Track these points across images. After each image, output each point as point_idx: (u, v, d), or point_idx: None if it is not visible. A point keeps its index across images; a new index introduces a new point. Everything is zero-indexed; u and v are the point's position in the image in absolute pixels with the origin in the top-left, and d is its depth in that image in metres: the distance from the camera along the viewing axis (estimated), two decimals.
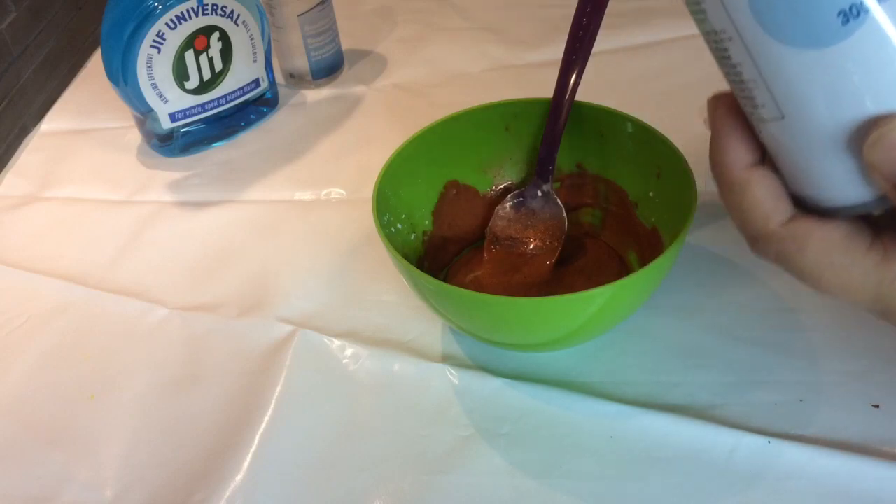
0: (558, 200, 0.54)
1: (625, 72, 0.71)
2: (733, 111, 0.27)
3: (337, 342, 0.52)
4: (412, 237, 0.54)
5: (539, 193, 0.54)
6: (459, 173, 0.55)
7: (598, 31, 0.50)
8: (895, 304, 0.25)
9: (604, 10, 0.49)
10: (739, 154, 0.26)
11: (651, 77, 0.71)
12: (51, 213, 0.66)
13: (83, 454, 0.48)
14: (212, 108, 0.69)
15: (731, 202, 0.27)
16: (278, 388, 0.49)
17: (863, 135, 0.23)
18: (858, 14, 0.22)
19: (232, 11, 0.65)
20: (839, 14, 0.22)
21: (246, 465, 0.46)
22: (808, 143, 0.24)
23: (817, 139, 0.24)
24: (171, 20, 0.62)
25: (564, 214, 0.53)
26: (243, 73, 0.69)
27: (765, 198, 0.26)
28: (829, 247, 0.26)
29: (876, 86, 0.23)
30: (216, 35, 0.65)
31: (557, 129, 0.52)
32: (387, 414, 0.48)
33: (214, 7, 0.64)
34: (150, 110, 0.66)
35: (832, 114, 0.24)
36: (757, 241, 0.28)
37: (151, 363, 0.53)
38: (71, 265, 0.61)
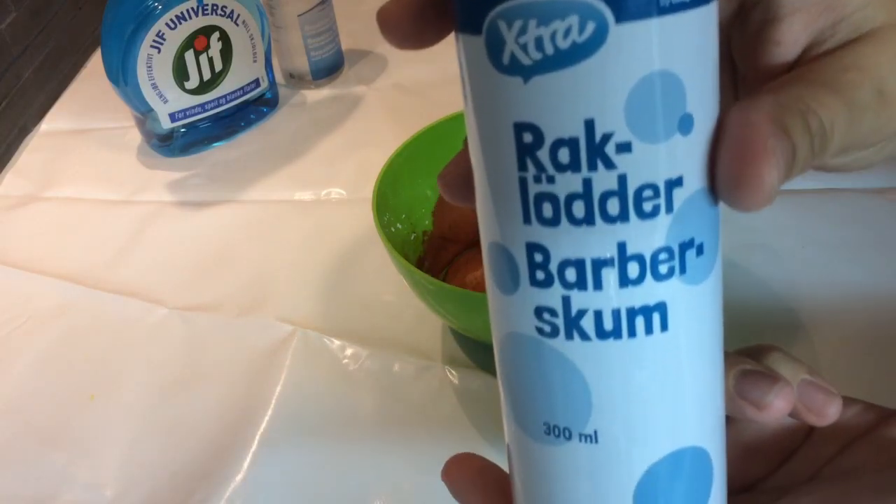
0: None
1: None
2: (470, 471, 0.27)
3: (337, 342, 0.52)
4: (412, 237, 0.54)
5: None
6: None
7: None
8: None
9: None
10: None
11: None
12: (51, 213, 0.66)
13: (83, 454, 0.48)
14: (212, 108, 0.69)
15: None
16: (278, 388, 0.49)
17: None
18: (559, 435, 0.22)
19: (232, 11, 0.65)
20: (543, 424, 0.22)
21: (246, 465, 0.46)
22: None
23: None
24: (171, 20, 0.62)
25: None
26: (243, 73, 0.69)
27: None
28: None
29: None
30: (216, 35, 0.65)
31: None
32: (387, 414, 0.48)
33: (214, 7, 0.64)
34: (150, 110, 0.66)
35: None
36: None
37: (151, 363, 0.53)
38: (71, 265, 0.61)
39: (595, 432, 0.21)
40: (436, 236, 0.55)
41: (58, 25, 0.84)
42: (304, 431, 0.47)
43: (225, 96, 0.69)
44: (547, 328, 0.21)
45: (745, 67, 0.25)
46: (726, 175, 0.19)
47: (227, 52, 0.67)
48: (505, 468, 0.26)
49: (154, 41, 0.62)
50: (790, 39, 0.23)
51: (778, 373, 0.25)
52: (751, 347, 0.26)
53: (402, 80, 0.76)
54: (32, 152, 0.74)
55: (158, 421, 0.49)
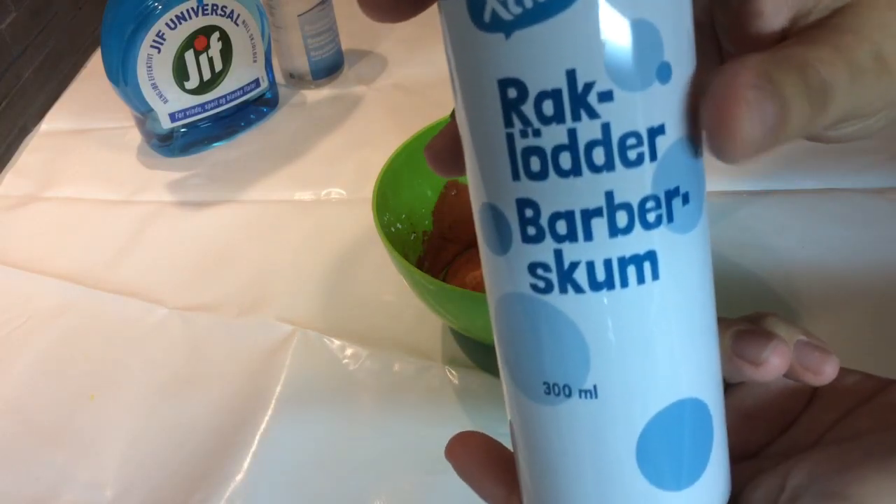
0: None
1: None
2: (472, 449, 0.27)
3: (337, 342, 0.52)
4: (412, 237, 0.54)
5: None
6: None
7: None
8: None
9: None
10: (493, 489, 0.26)
11: None
12: (51, 213, 0.66)
13: (83, 454, 0.48)
14: (212, 108, 0.69)
15: None
16: (278, 388, 0.49)
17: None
18: (559, 393, 0.22)
19: (232, 11, 0.65)
20: (543, 384, 0.22)
21: (246, 465, 0.46)
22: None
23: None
24: (171, 20, 0.62)
25: None
26: (243, 73, 0.69)
27: None
28: None
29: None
30: (216, 35, 0.65)
31: None
32: (387, 414, 0.48)
33: (214, 7, 0.64)
34: (150, 110, 0.66)
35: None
36: None
37: (151, 363, 0.53)
38: (71, 265, 0.61)
39: (594, 387, 0.21)
40: (436, 236, 0.55)
41: (58, 25, 0.84)
42: (304, 431, 0.47)
43: (225, 96, 0.69)
44: (541, 284, 0.21)
45: (731, 46, 0.25)
46: (706, 125, 0.20)
47: (227, 52, 0.67)
48: (509, 448, 0.26)
49: (154, 41, 0.62)
50: (772, 9, 0.22)
51: (773, 332, 0.25)
52: (747, 315, 0.27)
53: (402, 80, 0.76)
54: (32, 152, 0.74)
55: (158, 421, 0.49)
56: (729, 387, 0.27)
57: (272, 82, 0.72)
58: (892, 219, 0.56)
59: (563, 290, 0.21)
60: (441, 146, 0.25)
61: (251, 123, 0.72)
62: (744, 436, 0.27)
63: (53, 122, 0.77)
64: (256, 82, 0.71)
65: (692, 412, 0.22)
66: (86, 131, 0.75)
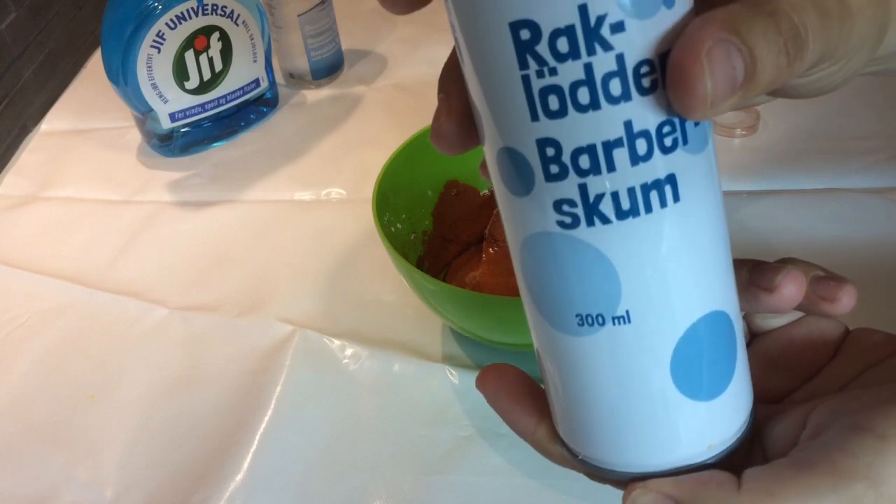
0: None
1: None
2: (504, 380, 0.28)
3: (337, 342, 0.52)
4: (412, 237, 0.54)
5: None
6: (459, 173, 0.55)
7: None
8: None
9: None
10: (522, 420, 0.28)
11: None
12: (51, 213, 0.66)
13: (83, 454, 0.48)
14: (212, 108, 0.69)
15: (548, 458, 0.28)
16: (278, 388, 0.49)
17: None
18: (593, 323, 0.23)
19: (232, 11, 0.65)
20: (576, 316, 0.23)
21: (246, 465, 0.46)
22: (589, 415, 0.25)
23: (594, 409, 0.25)
24: (171, 20, 0.62)
25: None
26: (243, 73, 0.69)
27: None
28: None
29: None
30: (216, 35, 0.65)
31: None
32: (387, 414, 0.48)
33: (214, 7, 0.64)
34: (150, 110, 0.66)
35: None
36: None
37: (151, 363, 0.53)
38: (71, 265, 0.61)
39: (627, 312, 0.22)
40: (436, 236, 0.55)
41: (58, 25, 0.84)
42: (304, 431, 0.47)
43: (225, 96, 0.69)
44: (568, 220, 0.22)
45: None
46: (667, 81, 0.20)
47: (227, 52, 0.67)
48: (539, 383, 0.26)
49: (154, 41, 0.62)
50: None
51: (789, 263, 0.26)
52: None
53: (402, 80, 0.76)
54: (32, 152, 0.74)
55: (158, 421, 0.49)
56: (755, 336, 0.28)
57: (272, 82, 0.72)
58: (892, 219, 0.56)
59: (591, 223, 0.22)
60: (447, 129, 0.25)
61: (251, 123, 0.72)
62: (767, 383, 0.27)
63: (53, 122, 0.77)
64: (256, 82, 0.71)
65: (718, 323, 0.23)
66: (86, 131, 0.75)
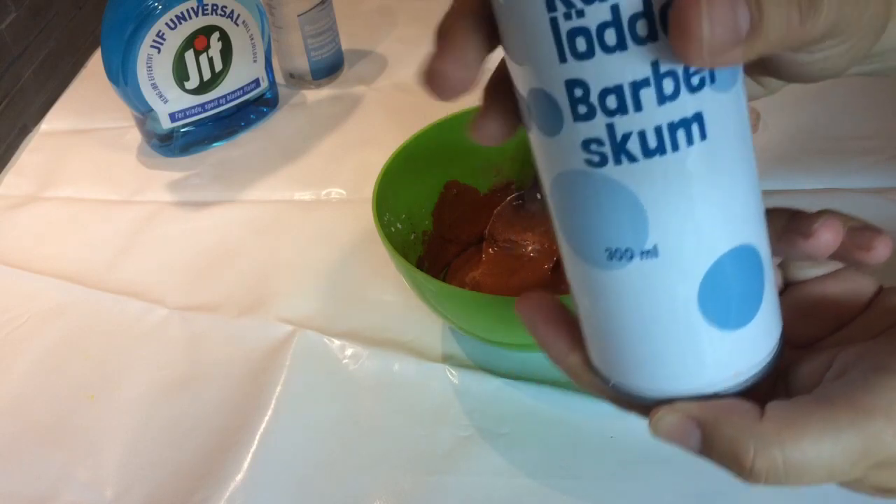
0: None
1: None
2: (541, 306, 0.29)
3: (337, 342, 0.52)
4: (412, 237, 0.54)
5: (539, 196, 0.54)
6: (459, 173, 0.55)
7: None
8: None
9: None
10: (556, 344, 0.28)
11: None
12: (51, 213, 0.66)
13: (83, 454, 0.48)
14: (212, 108, 0.69)
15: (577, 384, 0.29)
16: (278, 388, 0.49)
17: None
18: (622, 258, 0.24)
19: (232, 11, 0.65)
20: (605, 251, 0.24)
21: (246, 465, 0.46)
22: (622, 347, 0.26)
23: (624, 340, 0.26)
24: (171, 20, 0.62)
25: None
26: (243, 73, 0.69)
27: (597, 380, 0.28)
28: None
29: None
30: (216, 35, 0.65)
31: None
32: (387, 414, 0.48)
33: (214, 7, 0.64)
34: (150, 110, 0.66)
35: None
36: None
37: (151, 363, 0.53)
38: (71, 265, 0.61)
39: (655, 246, 0.23)
40: (436, 236, 0.55)
41: (58, 25, 0.84)
42: (304, 431, 0.47)
43: (225, 96, 0.69)
44: (595, 158, 0.22)
45: None
46: (669, 20, 0.20)
47: (227, 52, 0.67)
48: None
49: (154, 41, 0.62)
50: None
51: (827, 212, 0.26)
52: None
53: (402, 80, 0.76)
54: (32, 152, 0.74)
55: (158, 421, 0.49)
56: (788, 286, 0.29)
57: (272, 82, 0.72)
58: (893, 219, 0.56)
59: (618, 162, 0.22)
60: (488, 128, 0.26)
61: (251, 123, 0.72)
62: (797, 330, 0.28)
63: (53, 122, 0.77)
64: (256, 82, 0.71)
65: (745, 257, 0.24)
66: (86, 131, 0.75)
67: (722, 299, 0.24)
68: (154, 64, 0.63)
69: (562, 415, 0.46)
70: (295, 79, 0.76)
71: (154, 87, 0.65)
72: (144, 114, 0.67)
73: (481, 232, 0.56)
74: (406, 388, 0.49)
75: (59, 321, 0.56)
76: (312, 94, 0.76)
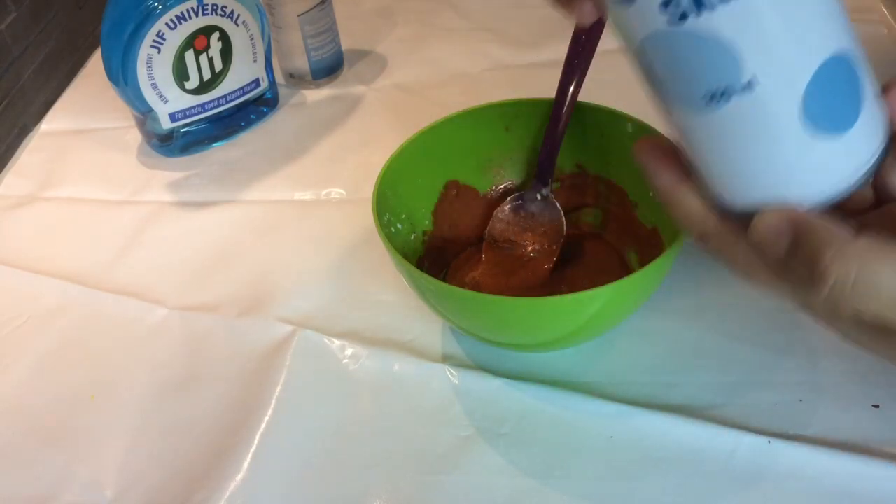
0: (557, 204, 0.54)
1: (625, 72, 0.71)
2: (656, 147, 0.33)
3: (337, 342, 0.52)
4: (412, 237, 0.54)
5: (538, 197, 0.54)
6: (459, 173, 0.56)
7: (599, 37, 0.50)
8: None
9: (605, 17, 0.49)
10: (667, 175, 0.32)
11: None
12: (51, 213, 0.66)
13: (83, 454, 0.48)
14: (212, 108, 0.69)
15: (674, 214, 0.32)
16: (278, 388, 0.49)
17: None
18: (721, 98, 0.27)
19: (232, 11, 0.65)
20: (703, 96, 0.27)
21: (246, 465, 0.46)
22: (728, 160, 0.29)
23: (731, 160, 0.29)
24: (171, 20, 0.62)
25: (563, 218, 0.53)
26: (243, 73, 0.69)
27: (698, 206, 0.31)
28: None
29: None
30: (216, 35, 0.65)
31: (557, 134, 0.52)
32: (387, 414, 0.48)
33: (214, 7, 0.64)
34: (150, 110, 0.66)
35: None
36: (699, 239, 0.33)
37: (151, 363, 0.53)
38: (71, 265, 0.61)
39: (750, 80, 0.26)
40: (436, 236, 0.55)
41: (58, 25, 0.84)
42: (304, 431, 0.47)
43: (225, 96, 0.69)
44: (676, 16, 0.25)
45: None
46: None
47: (227, 52, 0.67)
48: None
49: (154, 41, 0.62)
50: None
51: None
52: None
53: (402, 80, 0.76)
54: (32, 152, 0.74)
55: (158, 421, 0.49)
56: (882, 202, 0.31)
57: (272, 82, 0.72)
58: None
59: (699, 12, 0.25)
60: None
61: (251, 123, 0.73)
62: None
63: (53, 122, 0.77)
64: (256, 82, 0.71)
65: (838, 64, 0.26)
66: (86, 131, 0.75)
67: (824, 108, 0.26)
68: (154, 64, 0.63)
69: (562, 415, 0.46)
70: (295, 79, 0.76)
71: (154, 87, 0.65)
72: (144, 114, 0.67)
73: (481, 232, 0.56)
74: (406, 388, 0.49)
75: (59, 321, 0.56)
76: (312, 95, 0.76)
